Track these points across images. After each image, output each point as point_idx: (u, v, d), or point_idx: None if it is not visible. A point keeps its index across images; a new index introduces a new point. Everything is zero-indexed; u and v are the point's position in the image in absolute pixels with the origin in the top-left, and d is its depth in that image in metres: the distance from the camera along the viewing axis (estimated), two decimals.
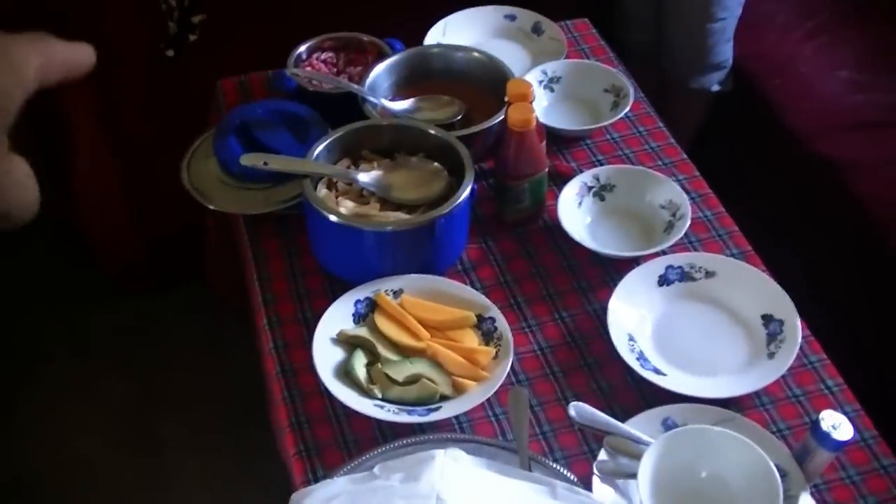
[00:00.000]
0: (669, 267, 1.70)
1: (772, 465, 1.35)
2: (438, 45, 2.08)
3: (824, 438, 1.37)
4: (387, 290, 1.66)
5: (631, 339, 1.62)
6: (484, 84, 1.92)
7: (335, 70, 2.03)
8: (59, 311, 3.06)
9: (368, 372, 1.57)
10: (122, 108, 2.63)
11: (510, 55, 2.10)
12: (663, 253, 1.73)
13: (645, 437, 1.45)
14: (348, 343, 1.61)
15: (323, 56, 2.05)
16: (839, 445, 1.37)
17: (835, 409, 1.51)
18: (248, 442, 2.55)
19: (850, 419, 1.40)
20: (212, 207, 1.84)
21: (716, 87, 2.78)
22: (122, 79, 2.56)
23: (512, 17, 2.21)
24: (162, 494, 2.64)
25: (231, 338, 2.49)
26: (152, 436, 2.79)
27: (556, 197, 1.82)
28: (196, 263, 2.67)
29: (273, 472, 1.55)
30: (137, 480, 2.68)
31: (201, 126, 2.03)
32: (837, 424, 1.37)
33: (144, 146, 2.66)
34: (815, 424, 1.38)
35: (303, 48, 2.02)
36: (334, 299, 1.66)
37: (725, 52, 2.74)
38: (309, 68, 2.02)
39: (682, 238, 1.75)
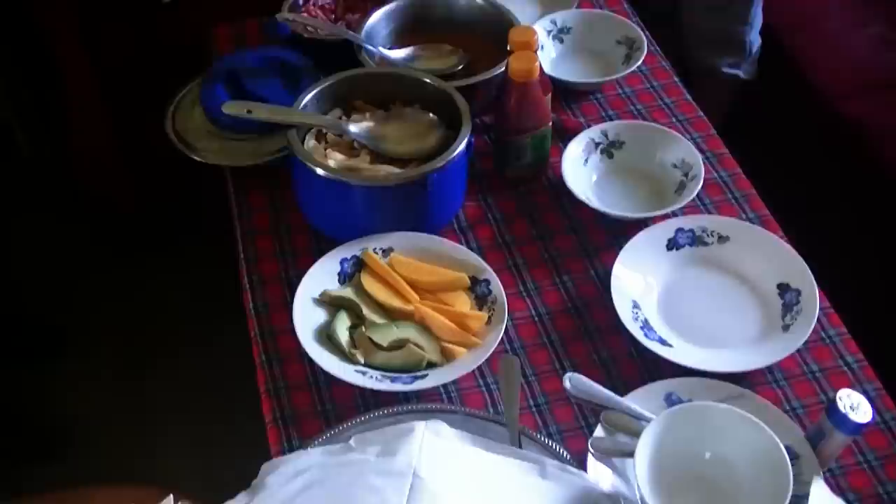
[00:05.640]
0: (679, 230, 1.59)
1: (782, 447, 1.23)
2: None
3: (841, 420, 1.26)
4: (375, 249, 1.56)
5: (635, 306, 1.51)
6: (488, 34, 1.82)
7: (333, 17, 1.93)
8: (52, 265, 2.98)
9: (351, 336, 1.48)
10: (115, 58, 2.53)
11: (518, 4, 1.98)
12: (674, 215, 1.63)
13: (646, 413, 1.34)
14: (332, 304, 1.52)
15: (321, 2, 1.95)
16: (857, 428, 1.26)
17: (854, 387, 1.41)
18: (238, 404, 2.47)
19: (871, 399, 1.29)
20: (195, 158, 1.75)
21: (727, 69, 2.64)
22: (116, 27, 2.47)
23: None
24: (149, 455, 2.56)
25: (226, 294, 2.40)
26: (139, 396, 2.71)
27: (561, 153, 1.71)
28: (193, 218, 2.59)
29: (262, 438, 1.46)
30: (124, 442, 2.61)
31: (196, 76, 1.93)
32: (856, 405, 1.25)
33: (137, 97, 2.56)
34: (832, 404, 1.26)
35: None
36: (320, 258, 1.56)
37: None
38: (306, 14, 1.91)
39: (694, 200, 1.65)
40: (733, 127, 1.93)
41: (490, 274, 1.53)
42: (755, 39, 2.61)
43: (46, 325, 2.86)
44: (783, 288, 1.53)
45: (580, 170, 1.70)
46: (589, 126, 1.77)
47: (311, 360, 1.44)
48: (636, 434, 1.28)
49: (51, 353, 2.81)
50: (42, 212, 3.09)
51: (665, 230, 1.59)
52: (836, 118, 2.34)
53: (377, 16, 1.85)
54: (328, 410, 1.44)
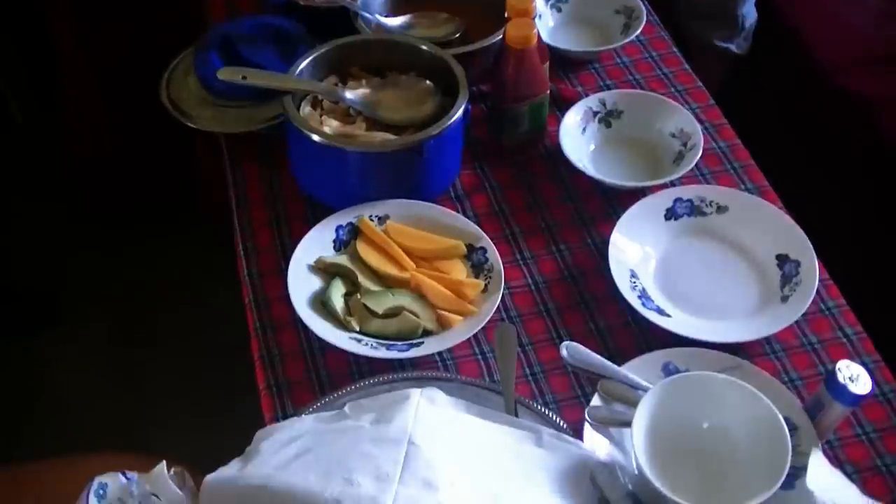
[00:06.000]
0: (678, 200, 1.58)
1: (780, 418, 1.22)
2: None
3: (840, 391, 1.24)
4: (371, 216, 1.55)
5: (633, 275, 1.50)
6: (484, 3, 1.79)
7: None
8: (43, 238, 2.97)
9: (346, 303, 1.46)
10: (106, 26, 2.51)
11: None
12: (672, 184, 1.61)
13: (643, 383, 1.33)
14: (327, 272, 1.50)
15: None
16: (856, 399, 1.25)
17: (852, 359, 1.39)
18: (230, 374, 2.46)
19: (869, 371, 1.27)
20: (189, 125, 1.73)
21: (719, 42, 2.62)
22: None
23: None
24: (137, 425, 2.55)
25: (219, 269, 2.40)
26: (130, 367, 2.71)
27: (558, 123, 1.69)
28: (186, 194, 2.58)
29: (254, 407, 1.45)
30: (113, 411, 2.61)
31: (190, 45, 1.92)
32: (855, 376, 1.24)
33: (129, 65, 2.54)
34: (831, 376, 1.25)
35: None
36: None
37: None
38: None
39: (692, 170, 1.63)
40: (732, 101, 1.91)
41: (486, 242, 1.52)
42: (749, 14, 2.59)
43: (39, 295, 2.84)
44: (782, 259, 1.51)
45: (578, 139, 1.69)
46: (586, 95, 1.75)
47: (304, 328, 1.43)
48: (633, 403, 1.27)
49: (43, 323, 2.79)
50: (37, 183, 3.07)
51: (663, 200, 1.58)
52: (835, 92, 2.33)
53: None
54: (322, 378, 1.43)
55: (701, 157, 1.63)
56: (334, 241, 1.53)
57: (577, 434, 1.29)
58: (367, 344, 1.40)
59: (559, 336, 1.46)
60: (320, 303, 1.46)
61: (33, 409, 2.62)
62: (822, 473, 1.24)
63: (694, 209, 1.57)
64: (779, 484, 1.16)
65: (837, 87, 2.32)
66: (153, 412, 2.59)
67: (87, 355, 2.73)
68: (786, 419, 1.23)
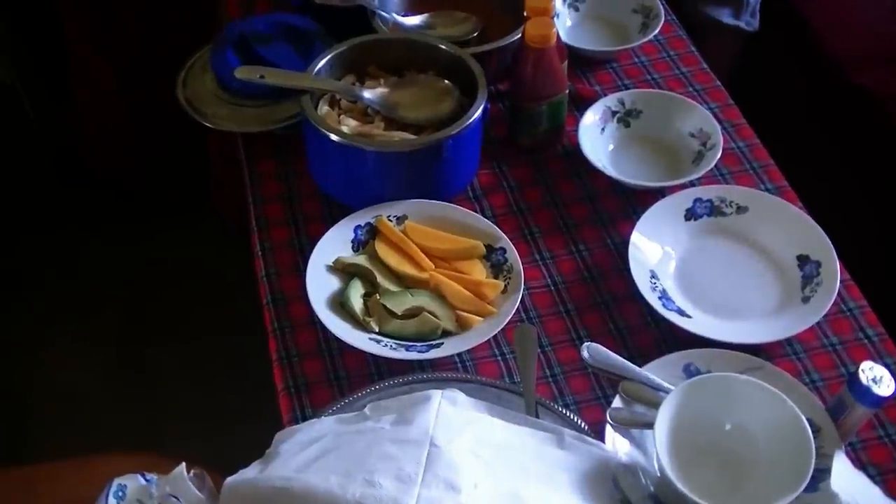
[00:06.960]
0: (698, 200, 1.57)
1: (804, 420, 1.22)
2: None
3: (863, 393, 1.24)
4: (389, 216, 1.54)
5: (653, 276, 1.49)
6: (501, 2, 1.79)
7: None
8: (55, 234, 2.97)
9: (365, 303, 1.46)
10: (120, 23, 2.50)
11: None
12: (691, 184, 1.60)
13: (664, 384, 1.32)
14: (345, 272, 1.50)
15: None
16: (879, 401, 1.24)
17: (874, 360, 1.39)
18: (245, 374, 2.46)
19: (892, 372, 1.26)
20: (206, 124, 1.73)
21: (728, 20, 2.61)
22: None
23: None
24: (152, 425, 2.54)
25: (232, 267, 2.40)
26: (144, 366, 2.70)
27: (576, 122, 1.69)
28: (199, 190, 2.57)
29: (271, 407, 1.45)
30: (127, 411, 2.60)
31: (204, 42, 1.91)
32: (878, 378, 1.23)
33: (144, 63, 2.54)
34: (853, 377, 1.24)
35: None
36: (333, 225, 1.54)
37: None
38: None
39: (712, 170, 1.63)
40: (740, 97, 1.89)
41: (506, 242, 1.51)
42: None
43: (50, 291, 2.84)
44: (803, 259, 1.50)
45: (597, 138, 1.68)
46: (604, 95, 1.74)
47: (323, 328, 1.42)
48: (655, 405, 1.26)
49: (53, 318, 2.79)
50: (48, 179, 3.08)
51: (683, 200, 1.57)
52: (850, 88, 2.31)
53: None
54: (341, 379, 1.42)
55: (720, 157, 1.62)
56: (353, 241, 1.53)
57: (599, 435, 1.29)
58: (386, 345, 1.40)
59: (579, 337, 1.46)
60: (339, 303, 1.45)
61: (43, 407, 2.62)
62: (845, 475, 1.23)
63: (714, 209, 1.56)
64: (803, 486, 1.16)
65: (852, 84, 2.31)
66: (165, 412, 2.58)
67: (99, 353, 2.72)
68: (808, 420, 1.22)
